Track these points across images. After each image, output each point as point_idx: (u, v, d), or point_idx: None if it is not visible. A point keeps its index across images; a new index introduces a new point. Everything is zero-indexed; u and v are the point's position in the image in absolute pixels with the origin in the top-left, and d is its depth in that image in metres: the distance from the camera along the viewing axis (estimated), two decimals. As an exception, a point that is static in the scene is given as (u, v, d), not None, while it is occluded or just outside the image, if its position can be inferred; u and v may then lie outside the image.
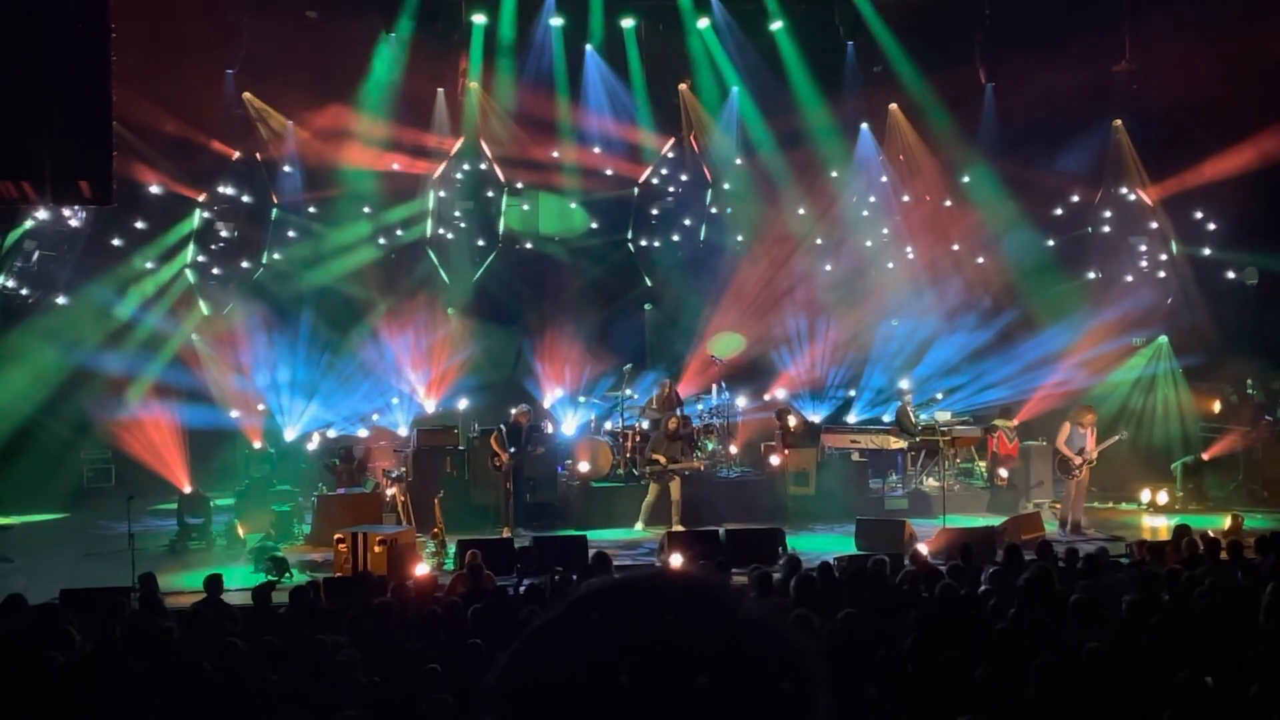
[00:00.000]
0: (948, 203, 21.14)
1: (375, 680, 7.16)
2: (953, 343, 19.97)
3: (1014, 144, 19.85)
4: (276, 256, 20.33)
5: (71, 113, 11.67)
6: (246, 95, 19.35)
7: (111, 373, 18.08)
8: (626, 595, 1.27)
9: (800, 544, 13.91)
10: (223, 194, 19.91)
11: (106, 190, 12.15)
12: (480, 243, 21.18)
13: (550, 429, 17.63)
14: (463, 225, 21.14)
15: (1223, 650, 7.00)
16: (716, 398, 18.10)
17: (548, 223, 21.46)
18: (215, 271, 19.97)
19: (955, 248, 21.03)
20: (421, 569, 12.41)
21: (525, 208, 21.38)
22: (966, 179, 20.80)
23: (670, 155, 21.48)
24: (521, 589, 10.40)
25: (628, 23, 19.85)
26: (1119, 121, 20.57)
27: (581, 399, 19.01)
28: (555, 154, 20.76)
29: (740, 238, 21.44)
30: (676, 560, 12.31)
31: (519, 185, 21.15)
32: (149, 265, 19.09)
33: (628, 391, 17.43)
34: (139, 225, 18.83)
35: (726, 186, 21.54)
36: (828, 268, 21.31)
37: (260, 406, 18.43)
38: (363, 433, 17.91)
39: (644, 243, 21.72)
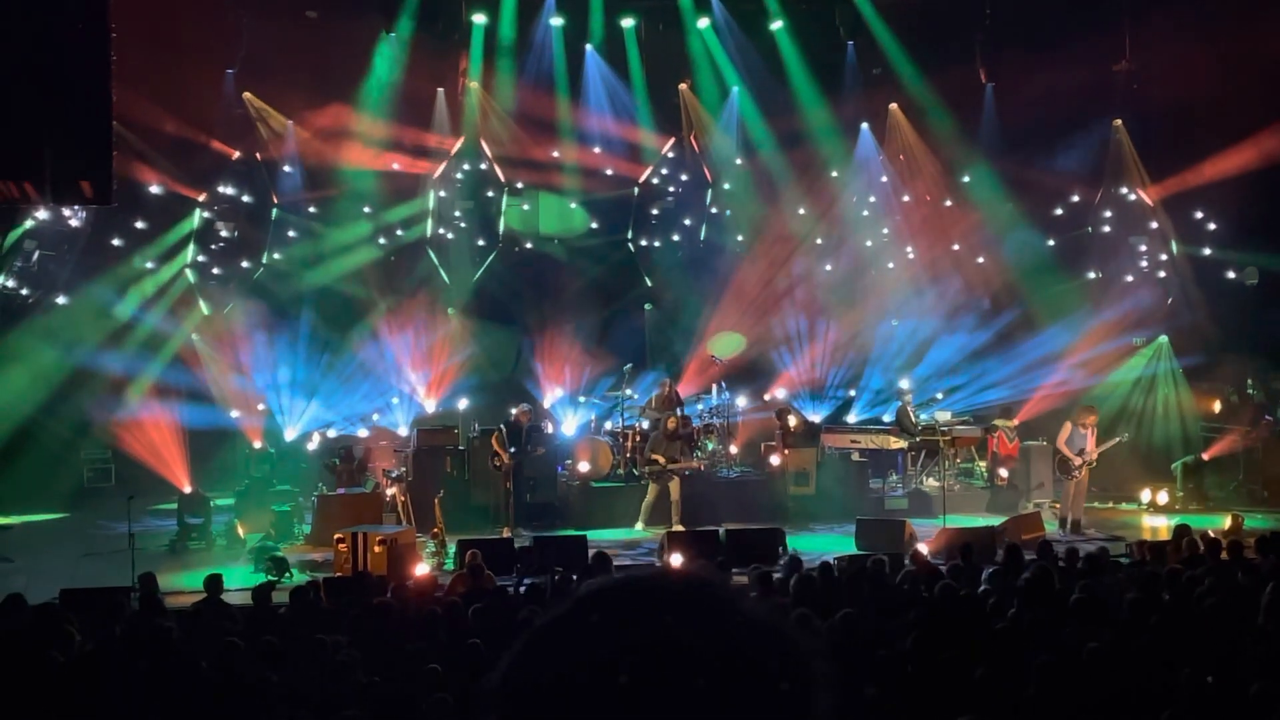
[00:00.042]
0: (948, 203, 21.14)
1: (375, 680, 7.16)
2: (953, 343, 19.97)
3: (1014, 144, 19.85)
4: (277, 256, 20.33)
5: (72, 113, 11.67)
6: (246, 95, 19.36)
7: (111, 373, 18.09)
8: (627, 594, 1.27)
9: (800, 544, 13.91)
10: (223, 194, 19.91)
11: (107, 190, 12.15)
12: (480, 242, 21.18)
13: (550, 429, 17.63)
14: (463, 225, 21.14)
15: (1223, 650, 7.00)
16: (716, 398, 18.10)
17: (548, 223, 21.45)
18: (215, 271, 19.97)
19: (955, 248, 21.02)
20: (421, 569, 12.41)
21: (525, 208, 21.38)
22: (966, 179, 20.80)
23: (670, 155, 21.48)
24: (522, 589, 10.41)
25: (628, 22, 19.85)
26: (1119, 121, 20.57)
27: (581, 399, 19.01)
28: (555, 154, 20.76)
29: (740, 238, 21.44)
30: (677, 560, 12.31)
31: (519, 185, 21.15)
32: (149, 265, 19.09)
33: (628, 391, 17.43)
34: (139, 225, 18.84)
35: (727, 186, 21.54)
36: (828, 268, 21.31)
37: (260, 406, 18.43)
38: (363, 432, 17.90)
39: (644, 243, 21.71)
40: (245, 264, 20.08)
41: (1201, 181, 19.24)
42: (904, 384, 18.47)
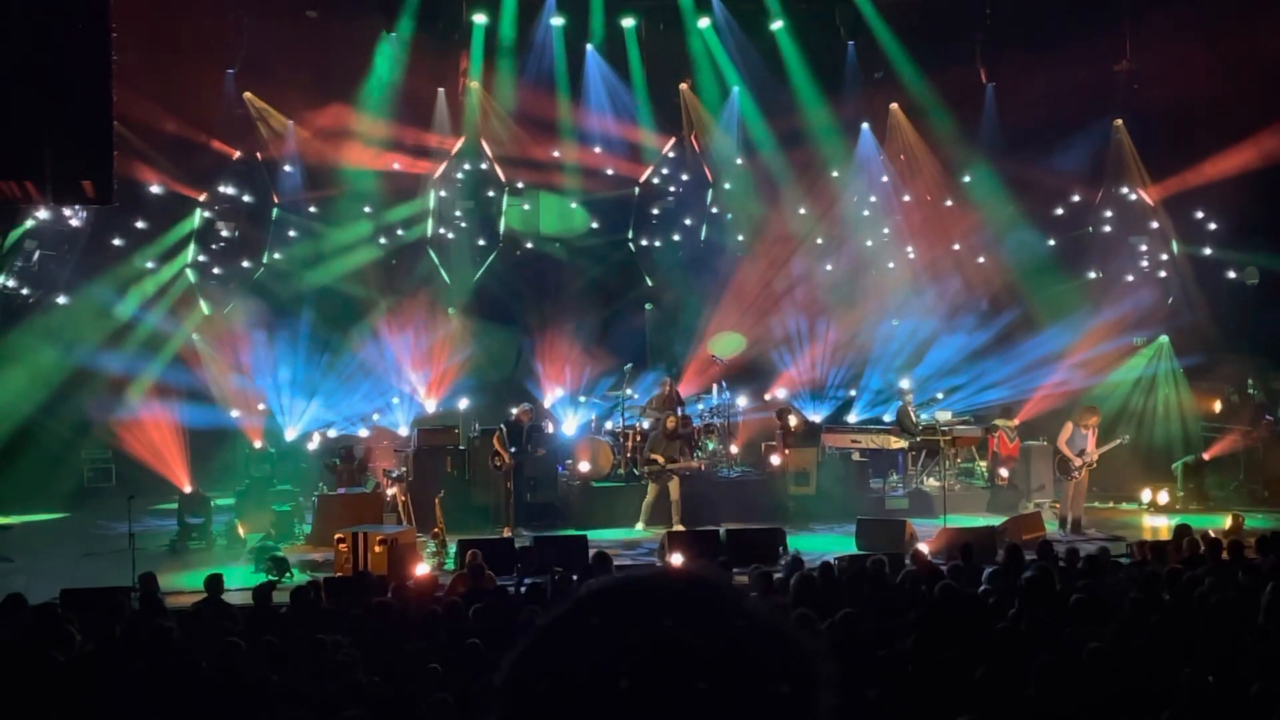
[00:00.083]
0: (948, 203, 21.14)
1: (375, 680, 7.16)
2: (953, 343, 19.96)
3: (1014, 144, 19.84)
4: (277, 256, 20.33)
5: (72, 112, 11.66)
6: (247, 95, 19.36)
7: (111, 373, 18.09)
8: (628, 595, 1.27)
9: (800, 544, 13.89)
10: (223, 194, 19.91)
11: (107, 190, 12.14)
12: (481, 242, 21.18)
13: (551, 429, 17.63)
14: (463, 225, 21.14)
15: (1223, 650, 7.00)
16: (717, 397, 18.10)
17: (548, 222, 21.45)
18: (216, 271, 19.97)
19: (956, 247, 21.02)
20: (422, 569, 12.41)
21: (526, 207, 21.38)
22: (967, 179, 20.79)
23: (671, 155, 21.48)
24: (522, 589, 10.40)
25: (628, 22, 19.84)
26: (1119, 121, 20.57)
27: (582, 399, 19.01)
28: (556, 154, 20.76)
29: (741, 238, 21.44)
30: (677, 560, 12.31)
31: (519, 185, 21.14)
32: (149, 265, 19.09)
33: (628, 391, 17.43)
34: (139, 225, 18.84)
35: (727, 186, 21.54)
36: (828, 268, 21.31)
37: (260, 406, 18.42)
38: (363, 432, 17.91)
39: (644, 242, 21.71)
40: (246, 264, 20.08)
41: (1202, 181, 19.24)
42: (904, 384, 18.47)
